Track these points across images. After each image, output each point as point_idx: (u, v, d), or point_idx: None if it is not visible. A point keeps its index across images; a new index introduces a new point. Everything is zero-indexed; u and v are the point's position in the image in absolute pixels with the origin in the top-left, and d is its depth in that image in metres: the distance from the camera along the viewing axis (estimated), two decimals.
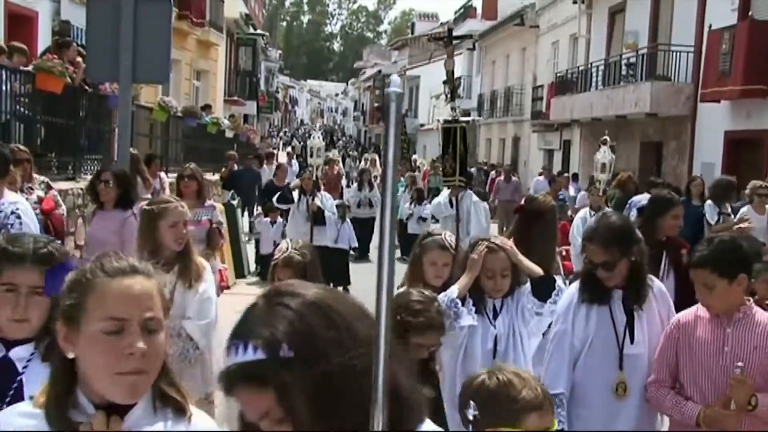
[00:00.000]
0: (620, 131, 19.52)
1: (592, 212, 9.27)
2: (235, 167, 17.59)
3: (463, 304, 3.88)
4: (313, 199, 10.45)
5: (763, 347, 3.35)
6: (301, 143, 47.98)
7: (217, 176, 17.62)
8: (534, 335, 4.09)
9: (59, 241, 2.59)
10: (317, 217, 10.48)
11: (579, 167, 23.06)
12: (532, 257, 4.41)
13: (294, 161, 26.78)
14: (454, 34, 9.62)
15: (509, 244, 4.13)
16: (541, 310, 3.91)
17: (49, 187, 7.12)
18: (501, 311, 4.05)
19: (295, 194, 11.61)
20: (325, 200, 10.86)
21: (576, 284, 3.88)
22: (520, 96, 30.00)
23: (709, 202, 9.62)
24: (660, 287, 3.86)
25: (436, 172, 24.87)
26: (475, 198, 10.21)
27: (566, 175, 20.84)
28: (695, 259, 3.44)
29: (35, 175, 7.19)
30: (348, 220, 12.81)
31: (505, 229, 17.94)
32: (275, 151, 29.01)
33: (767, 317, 3.43)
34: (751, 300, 3.55)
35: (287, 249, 3.91)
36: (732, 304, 3.39)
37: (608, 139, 9.97)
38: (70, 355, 1.76)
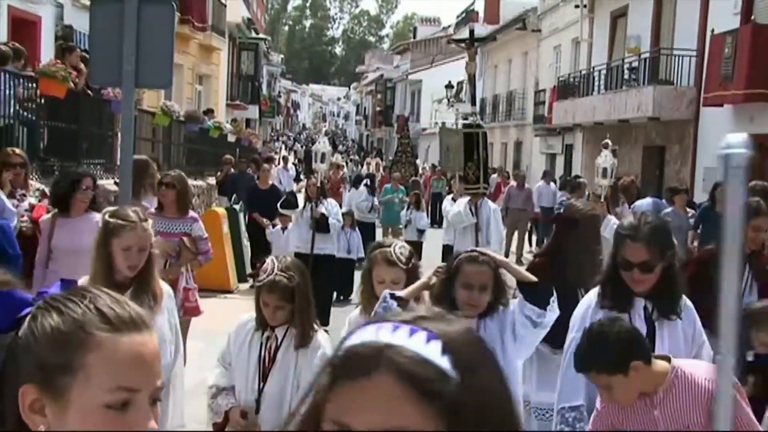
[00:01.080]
0: (623, 135, 19.50)
1: None
2: (232, 171, 17.45)
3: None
4: (317, 206, 10.14)
5: (699, 419, 2.92)
6: (304, 147, 47.99)
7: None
8: (525, 347, 3.74)
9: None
10: (320, 225, 10.15)
11: (581, 172, 23.04)
12: (569, 271, 4.27)
13: (290, 166, 26.52)
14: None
15: (500, 256, 3.80)
16: (542, 320, 3.57)
17: (44, 195, 6.83)
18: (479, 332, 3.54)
19: (300, 200, 11.27)
20: (330, 207, 10.51)
21: (594, 291, 3.60)
22: (522, 100, 30.00)
23: None
24: (686, 302, 3.56)
25: (439, 177, 24.88)
26: (493, 205, 9.86)
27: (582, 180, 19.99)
28: (580, 364, 3.01)
29: (31, 182, 7.04)
30: (357, 229, 12.40)
31: (517, 237, 17.74)
32: (275, 156, 29.01)
33: (697, 378, 2.95)
34: (674, 365, 3.01)
35: (272, 271, 3.54)
36: (645, 388, 2.94)
37: (609, 142, 9.59)
38: (39, 430, 1.33)
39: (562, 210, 5.61)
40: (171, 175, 6.90)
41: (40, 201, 6.72)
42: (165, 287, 3.96)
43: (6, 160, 6.61)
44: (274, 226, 11.89)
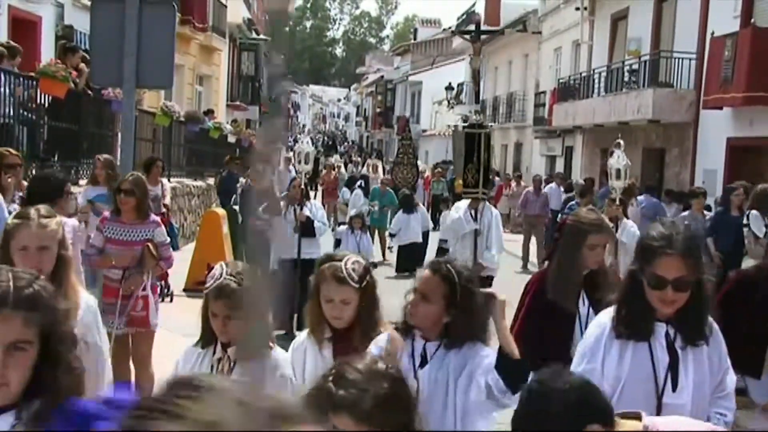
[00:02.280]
0: (622, 138, 19.42)
1: (611, 225, 8.13)
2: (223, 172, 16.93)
3: None
4: (301, 209, 9.71)
5: None
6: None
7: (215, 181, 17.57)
8: (482, 417, 3.09)
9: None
10: (306, 228, 9.71)
11: (581, 174, 23.06)
12: (564, 284, 4.12)
13: (291, 166, 26.29)
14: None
15: (500, 311, 3.04)
16: (501, 398, 2.92)
17: (23, 201, 6.36)
18: (433, 359, 3.10)
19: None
20: (315, 210, 10.11)
21: (607, 313, 3.09)
22: (523, 102, 30.01)
23: (754, 212, 9.16)
24: (713, 325, 3.07)
25: (439, 179, 24.86)
26: (495, 211, 9.46)
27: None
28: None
29: (25, 183, 6.74)
30: (368, 232, 11.93)
31: (536, 243, 16.94)
32: None
33: None
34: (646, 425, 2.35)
35: (220, 276, 3.17)
36: None
37: (622, 142, 8.96)
38: None
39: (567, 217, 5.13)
40: (129, 181, 6.24)
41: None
42: (85, 298, 3.45)
43: (5, 162, 6.31)
44: None
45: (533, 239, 17.00)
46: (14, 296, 1.85)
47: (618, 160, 8.69)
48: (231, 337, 3.16)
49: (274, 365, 3.12)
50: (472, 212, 8.85)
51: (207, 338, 3.27)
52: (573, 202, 12.78)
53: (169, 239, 6.55)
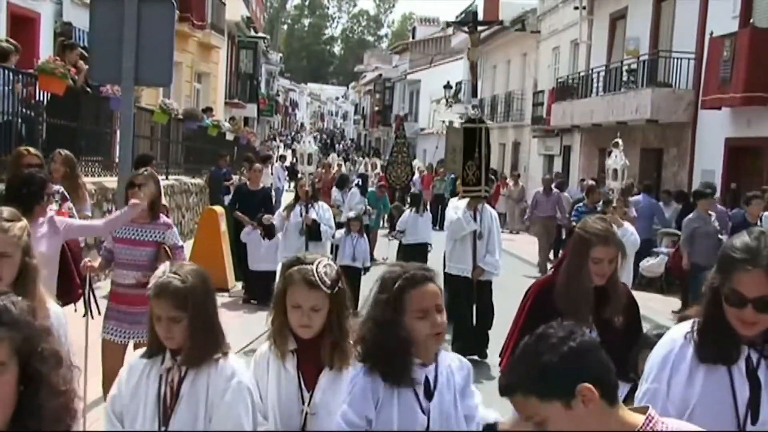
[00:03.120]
0: (620, 137, 19.50)
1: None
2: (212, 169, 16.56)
3: None
4: (307, 211, 9.30)
5: None
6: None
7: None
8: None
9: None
10: (312, 232, 9.26)
11: (579, 173, 23.08)
12: (570, 300, 3.83)
13: (288, 164, 25.97)
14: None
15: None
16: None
17: (64, 199, 6.11)
18: (436, 388, 2.86)
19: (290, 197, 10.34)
20: (322, 212, 9.61)
21: (678, 330, 2.73)
22: (521, 101, 30.01)
23: (767, 214, 9.08)
24: None
25: (442, 178, 24.79)
26: (493, 211, 9.04)
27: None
28: (503, 383, 2.08)
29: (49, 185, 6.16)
30: (365, 235, 11.30)
31: (548, 250, 16.55)
32: (272, 154, 28.92)
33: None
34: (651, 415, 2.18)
35: (162, 274, 2.89)
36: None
37: (620, 141, 8.63)
38: None
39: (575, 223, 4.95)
40: (143, 175, 5.90)
41: (60, 206, 6.00)
42: (53, 309, 3.11)
43: (24, 162, 5.93)
44: (254, 227, 10.87)
45: (546, 244, 16.55)
46: None
47: (616, 160, 8.40)
48: (178, 344, 2.85)
49: (231, 372, 2.86)
50: (471, 212, 8.54)
51: (153, 347, 2.93)
52: (581, 204, 12.32)
53: (182, 243, 6.20)
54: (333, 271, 2.98)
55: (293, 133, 72.11)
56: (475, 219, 8.49)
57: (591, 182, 11.65)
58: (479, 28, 8.69)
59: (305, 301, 2.90)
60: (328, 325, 2.95)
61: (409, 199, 15.86)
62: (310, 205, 9.36)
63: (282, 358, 2.99)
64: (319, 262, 2.96)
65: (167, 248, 5.79)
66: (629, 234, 7.69)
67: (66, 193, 6.33)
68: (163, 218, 6.00)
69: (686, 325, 2.69)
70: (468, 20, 8.29)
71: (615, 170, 8.39)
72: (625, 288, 4.17)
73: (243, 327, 8.71)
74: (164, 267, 2.94)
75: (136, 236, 5.76)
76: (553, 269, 4.38)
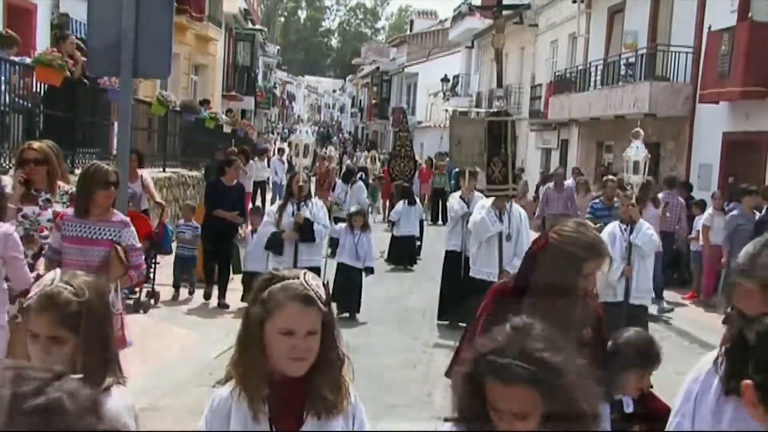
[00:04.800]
0: (618, 131, 19.52)
1: (624, 226, 7.43)
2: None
3: None
4: (299, 209, 8.36)
5: None
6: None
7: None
8: None
9: None
10: (304, 232, 8.33)
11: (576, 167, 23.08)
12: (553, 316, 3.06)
13: (285, 157, 25.71)
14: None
15: None
16: None
17: (72, 199, 5.66)
18: None
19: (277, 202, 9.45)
20: (317, 210, 8.67)
21: (710, 356, 2.33)
22: (519, 95, 29.99)
23: None
24: None
25: (441, 172, 24.71)
26: (522, 211, 8.44)
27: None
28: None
29: (60, 184, 5.78)
30: (369, 233, 10.48)
31: None
32: (269, 147, 28.81)
33: None
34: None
35: (51, 282, 2.34)
36: None
37: (641, 131, 7.75)
38: None
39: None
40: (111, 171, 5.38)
41: (67, 206, 5.60)
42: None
43: (23, 157, 5.65)
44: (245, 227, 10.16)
45: None
46: None
47: (637, 151, 7.53)
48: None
49: (115, 413, 2.17)
50: (497, 212, 8.05)
51: None
52: (596, 201, 11.17)
53: (140, 244, 5.58)
54: (321, 287, 2.31)
55: (291, 125, 72.10)
56: (501, 219, 8.05)
57: (611, 177, 10.64)
58: (504, 13, 8.13)
59: (301, 325, 2.21)
60: (322, 354, 2.26)
61: (395, 191, 15.64)
62: (302, 203, 8.48)
63: (253, 408, 2.25)
64: (305, 273, 2.32)
65: (121, 249, 5.19)
66: (645, 229, 7.34)
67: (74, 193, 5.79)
68: (119, 215, 5.39)
69: (716, 352, 2.28)
70: (491, 5, 7.83)
71: (636, 162, 7.44)
72: (596, 298, 3.58)
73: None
74: (53, 274, 2.40)
75: (88, 234, 5.20)
76: (516, 279, 3.48)
